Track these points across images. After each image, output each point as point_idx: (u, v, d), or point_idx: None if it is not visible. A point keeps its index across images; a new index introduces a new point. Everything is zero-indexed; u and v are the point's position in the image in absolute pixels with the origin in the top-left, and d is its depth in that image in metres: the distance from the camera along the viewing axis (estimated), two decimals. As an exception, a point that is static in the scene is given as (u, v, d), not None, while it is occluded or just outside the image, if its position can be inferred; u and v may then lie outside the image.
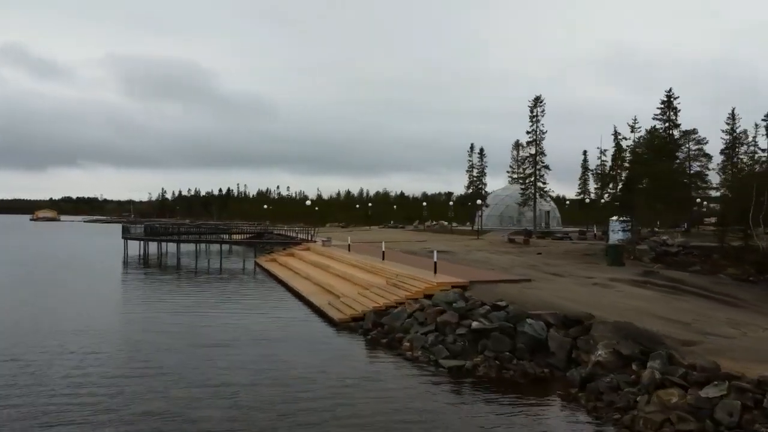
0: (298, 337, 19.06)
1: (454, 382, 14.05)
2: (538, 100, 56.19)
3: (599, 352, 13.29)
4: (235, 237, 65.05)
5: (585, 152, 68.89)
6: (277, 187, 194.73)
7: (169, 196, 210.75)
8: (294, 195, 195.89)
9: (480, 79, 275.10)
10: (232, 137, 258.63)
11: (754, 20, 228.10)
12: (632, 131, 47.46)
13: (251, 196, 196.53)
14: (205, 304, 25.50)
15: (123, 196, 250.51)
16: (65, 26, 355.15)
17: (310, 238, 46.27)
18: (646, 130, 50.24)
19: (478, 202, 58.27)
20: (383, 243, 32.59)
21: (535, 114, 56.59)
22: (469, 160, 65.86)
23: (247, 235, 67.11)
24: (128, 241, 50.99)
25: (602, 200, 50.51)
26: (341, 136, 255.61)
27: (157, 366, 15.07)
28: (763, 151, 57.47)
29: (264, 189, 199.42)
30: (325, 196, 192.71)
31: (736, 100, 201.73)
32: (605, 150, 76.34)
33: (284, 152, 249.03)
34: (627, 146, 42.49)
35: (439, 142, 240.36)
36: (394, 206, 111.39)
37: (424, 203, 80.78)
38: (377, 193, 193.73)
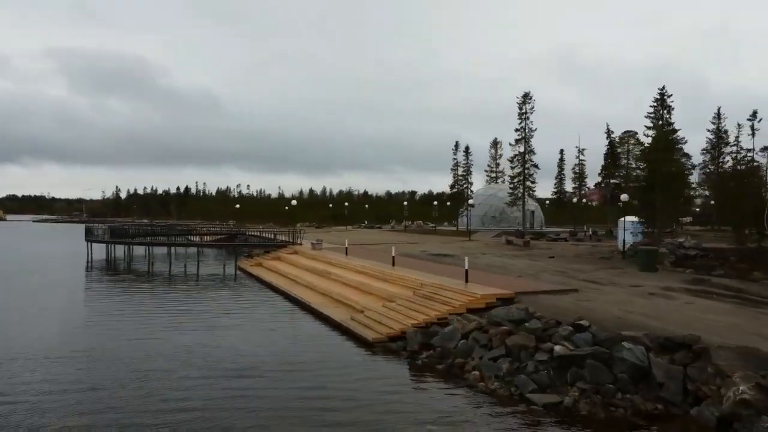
0: (331, 361, 16.23)
1: (557, 423, 11.53)
2: (527, 97, 54.50)
3: (741, 387, 10.97)
4: (206, 239, 61.26)
5: (562, 151, 67.78)
6: (237, 186, 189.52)
7: (123, 194, 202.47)
8: (255, 193, 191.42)
9: (434, 80, 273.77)
10: (183, 134, 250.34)
11: (696, 26, 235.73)
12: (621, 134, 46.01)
13: (210, 194, 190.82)
14: (203, 319, 22.30)
15: (72, 195, 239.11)
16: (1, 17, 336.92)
17: (296, 241, 43.11)
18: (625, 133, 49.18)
19: (470, 201, 56.06)
20: (393, 248, 29.84)
21: (523, 111, 54.86)
22: (454, 159, 63.90)
23: (219, 237, 63.39)
24: (92, 244, 46.74)
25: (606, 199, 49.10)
26: (295, 133, 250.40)
27: (180, 406, 12.06)
28: (749, 151, 57.43)
29: (223, 187, 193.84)
30: (287, 194, 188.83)
31: (679, 102, 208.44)
32: (584, 149, 76.17)
33: (238, 149, 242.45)
34: (645, 144, 40.87)
35: (396, 142, 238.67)
36: (366, 205, 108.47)
37: (405, 202, 78.14)
38: (341, 192, 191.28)
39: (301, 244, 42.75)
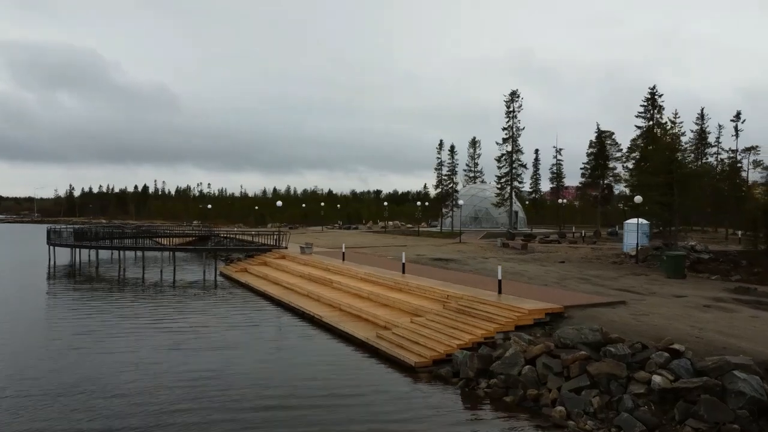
0: (372, 390, 13.99)
1: (687, 477, 9.57)
2: (514, 95, 53.05)
3: None
4: (175, 241, 57.80)
5: (537, 151, 66.74)
6: (199, 185, 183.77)
7: (77, 193, 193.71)
8: (216, 193, 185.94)
9: (391, 79, 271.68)
10: (138, 130, 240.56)
11: (646, 29, 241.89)
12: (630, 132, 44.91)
13: (169, 193, 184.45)
14: (202, 336, 19.66)
15: (20, 193, 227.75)
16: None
17: (281, 244, 40.37)
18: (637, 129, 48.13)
19: (460, 202, 54.14)
20: (403, 254, 27.53)
21: (511, 109, 53.38)
22: (438, 158, 61.92)
23: (190, 239, 59.97)
24: (55, 247, 43.01)
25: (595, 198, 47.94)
26: (254, 132, 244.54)
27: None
28: (734, 152, 57.39)
29: (183, 186, 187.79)
30: (250, 193, 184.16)
31: (629, 104, 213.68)
32: (561, 149, 75.40)
33: (195, 147, 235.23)
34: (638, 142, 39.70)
35: (355, 141, 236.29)
36: (338, 205, 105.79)
37: (386, 203, 75.82)
38: (305, 191, 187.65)
39: (286, 248, 40.08)
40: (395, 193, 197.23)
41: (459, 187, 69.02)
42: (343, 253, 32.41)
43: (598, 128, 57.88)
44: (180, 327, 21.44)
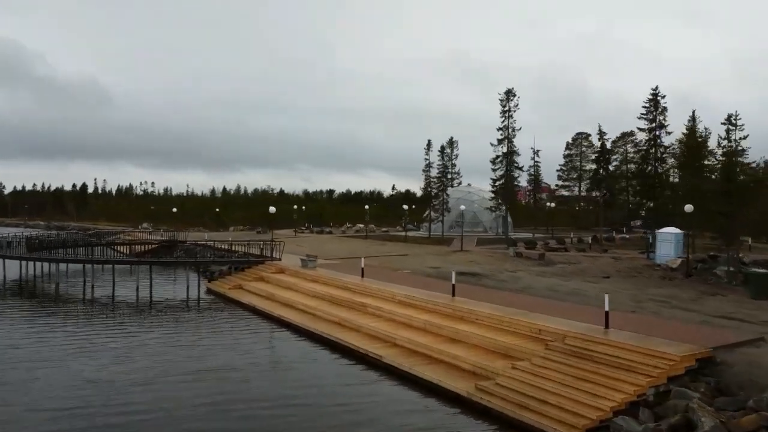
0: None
1: None
2: (510, 93, 50.17)
3: None
4: (137, 249, 52.01)
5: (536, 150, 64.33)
6: (142, 183, 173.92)
7: (6, 191, 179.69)
8: (160, 192, 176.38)
9: (331, 78, 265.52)
10: (68, 126, 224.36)
11: (576, 32, 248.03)
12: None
13: (110, 192, 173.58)
14: (242, 388, 15.35)
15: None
16: None
17: (273, 255, 35.78)
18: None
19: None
20: (453, 274, 23.62)
21: (507, 108, 50.49)
22: (426, 159, 58.28)
23: (153, 246, 54.21)
24: (4, 260, 36.98)
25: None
26: (192, 129, 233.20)
27: None
28: (721, 153, 56.22)
29: (125, 185, 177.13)
30: (197, 192, 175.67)
31: (563, 105, 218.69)
32: (538, 150, 73.50)
33: (131, 144, 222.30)
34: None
35: (297, 139, 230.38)
36: (303, 207, 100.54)
37: (366, 206, 71.64)
38: (256, 190, 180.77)
39: (280, 260, 35.61)
40: (348, 192, 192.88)
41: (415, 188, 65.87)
42: (363, 269, 28.31)
43: (599, 131, 55.57)
44: (202, 369, 16.98)
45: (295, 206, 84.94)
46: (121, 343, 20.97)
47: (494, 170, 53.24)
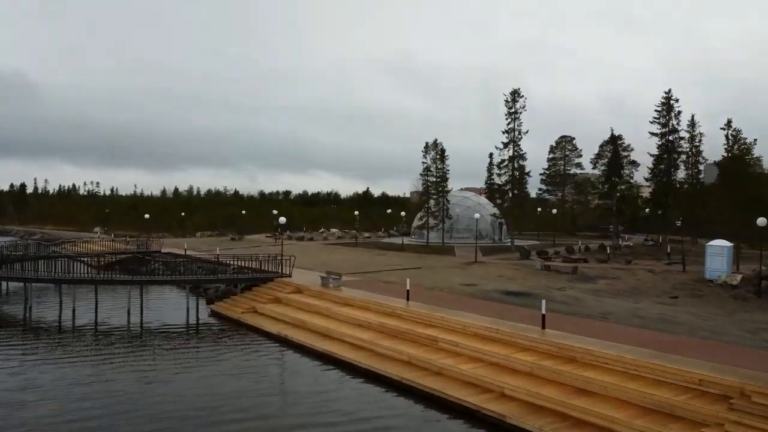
0: None
1: None
2: (516, 94, 47.45)
3: None
4: (102, 260, 46.59)
5: (491, 155, 61.68)
6: (85, 183, 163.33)
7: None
8: (106, 192, 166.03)
9: (276, 76, 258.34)
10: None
11: (518, 37, 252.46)
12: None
13: (53, 193, 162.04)
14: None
15: None
16: None
17: (283, 271, 31.60)
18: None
19: (476, 215, 47.03)
20: (544, 304, 20.22)
21: (514, 110, 47.70)
22: (424, 162, 54.72)
23: (122, 257, 48.80)
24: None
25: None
26: (129, 126, 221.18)
27: None
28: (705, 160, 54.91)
29: (68, 185, 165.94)
30: (146, 192, 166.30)
31: (502, 107, 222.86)
32: (524, 153, 71.31)
33: (65, 141, 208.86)
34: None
35: (241, 137, 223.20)
36: (274, 211, 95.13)
37: (356, 212, 67.24)
38: (209, 191, 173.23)
39: (290, 276, 31.59)
40: (305, 194, 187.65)
41: (399, 191, 62.74)
42: (408, 291, 24.68)
43: (612, 134, 53.25)
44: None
45: (275, 211, 79.44)
46: (136, 389, 16.84)
47: (499, 175, 50.60)
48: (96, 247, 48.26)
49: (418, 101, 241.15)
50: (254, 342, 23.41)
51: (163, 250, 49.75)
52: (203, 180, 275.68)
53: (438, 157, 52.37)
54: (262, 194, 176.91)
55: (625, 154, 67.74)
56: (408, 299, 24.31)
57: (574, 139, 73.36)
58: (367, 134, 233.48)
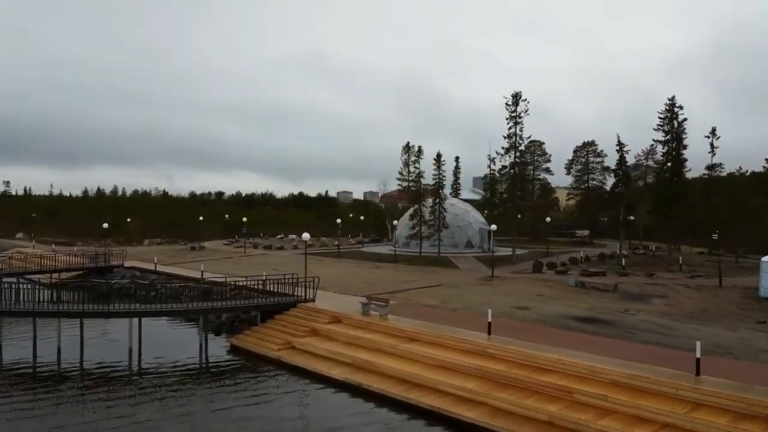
0: None
1: None
2: (517, 98, 44.82)
3: None
4: (61, 275, 40.06)
5: (457, 158, 59.88)
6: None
7: None
8: (17, 193, 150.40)
9: (189, 72, 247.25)
10: None
11: (433, 39, 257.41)
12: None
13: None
14: None
15: None
16: None
17: (307, 296, 27.16)
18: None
19: (494, 227, 43.30)
20: (698, 347, 17.20)
21: (516, 113, 45.02)
22: (416, 168, 50.72)
23: (78, 271, 42.31)
24: None
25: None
26: (29, 120, 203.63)
27: None
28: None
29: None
30: (56, 192, 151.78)
31: (421, 109, 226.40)
32: (494, 158, 69.43)
33: None
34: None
35: (153, 134, 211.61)
36: (226, 215, 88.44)
37: (339, 220, 61.94)
38: (136, 191, 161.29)
39: (314, 301, 27.29)
40: (239, 194, 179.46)
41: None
42: (489, 323, 21.10)
43: (618, 141, 51.45)
44: None
45: (247, 218, 72.92)
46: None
47: (500, 182, 47.85)
48: (44, 261, 41.31)
49: (333, 100, 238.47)
50: (315, 390, 19.17)
51: (126, 264, 43.64)
52: (112, 179, 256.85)
53: (434, 161, 49.00)
54: (193, 195, 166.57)
55: (598, 159, 67.75)
56: (490, 332, 20.80)
57: (543, 144, 72.31)
58: (284, 133, 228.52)
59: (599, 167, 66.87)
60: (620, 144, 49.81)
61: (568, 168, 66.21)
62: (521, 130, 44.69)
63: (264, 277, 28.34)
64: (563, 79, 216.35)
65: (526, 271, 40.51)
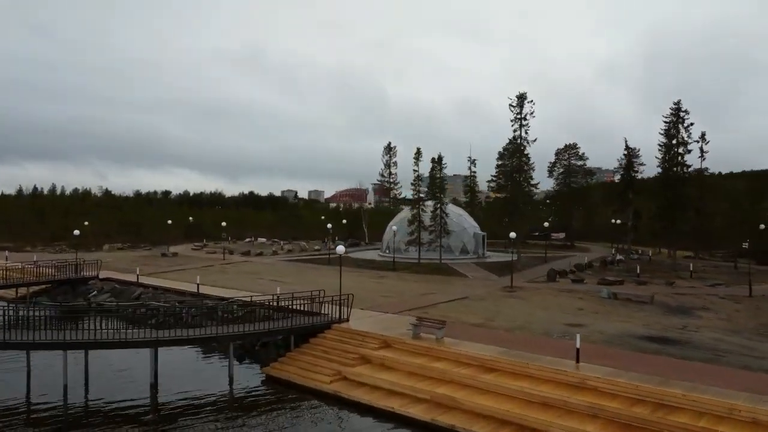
0: None
1: None
2: (522, 99, 43.10)
3: None
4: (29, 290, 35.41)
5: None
6: None
7: None
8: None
9: (121, 65, 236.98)
10: None
11: (371, 38, 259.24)
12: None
13: None
14: None
15: None
16: None
17: (342, 315, 24.27)
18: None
19: (463, 231, 41.22)
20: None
21: (522, 115, 43.29)
22: (415, 170, 47.35)
23: (45, 283, 37.65)
24: None
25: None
26: None
27: None
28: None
29: None
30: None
31: (358, 105, 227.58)
32: (475, 160, 68.08)
33: None
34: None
35: (86, 130, 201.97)
36: (190, 218, 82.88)
37: (329, 225, 58.10)
38: (76, 190, 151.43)
39: (348, 321, 24.49)
40: (186, 194, 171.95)
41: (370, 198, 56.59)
42: (578, 349, 18.90)
43: (626, 146, 50.35)
44: None
45: (199, 219, 67.73)
46: None
47: (504, 186, 45.99)
48: (9, 274, 36.35)
49: (272, 98, 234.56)
50: (396, 436, 16.46)
51: (101, 275, 39.16)
52: (38, 176, 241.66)
53: (435, 164, 46.52)
54: (138, 194, 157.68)
55: (580, 162, 67.28)
56: (578, 361, 18.63)
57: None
58: (222, 130, 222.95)
59: (581, 170, 66.47)
60: (628, 149, 49.07)
61: (551, 170, 65.42)
62: (526, 133, 43.09)
63: (291, 296, 25.19)
64: (498, 80, 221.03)
65: (538, 279, 38.84)
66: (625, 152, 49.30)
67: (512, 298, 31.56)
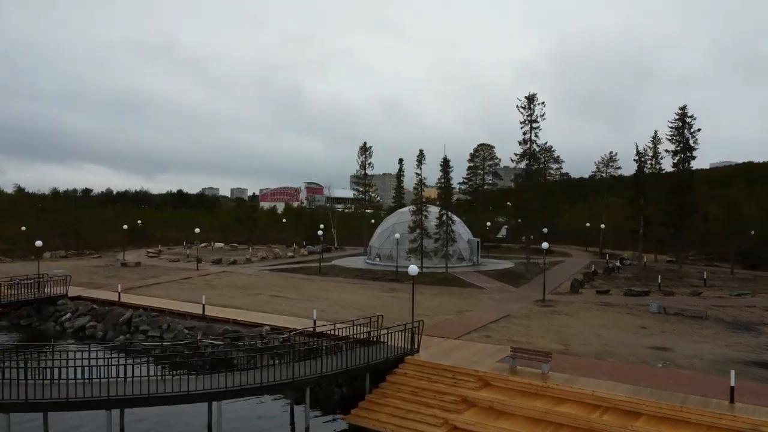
0: None
1: None
2: (532, 100, 40.95)
3: None
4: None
5: (401, 161, 56.01)
6: None
7: None
8: None
9: (9, 53, 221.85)
10: None
11: (294, 34, 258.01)
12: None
13: None
14: None
15: None
16: None
17: (414, 346, 20.82)
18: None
19: (458, 238, 38.28)
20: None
21: (531, 118, 41.07)
22: (417, 173, 44.08)
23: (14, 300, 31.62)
24: None
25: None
26: None
27: None
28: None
29: None
30: None
31: (278, 102, 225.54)
32: (450, 161, 65.98)
33: None
34: None
35: None
36: (138, 221, 74.83)
37: (321, 225, 52.80)
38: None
39: (418, 351, 21.16)
40: (110, 192, 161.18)
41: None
42: (732, 387, 16.53)
43: (637, 150, 48.77)
44: None
45: (139, 219, 60.89)
46: None
47: (519, 192, 43.62)
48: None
49: (185, 91, 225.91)
50: None
51: (70, 293, 33.41)
52: None
53: (441, 167, 43.54)
54: (55, 192, 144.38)
55: (556, 166, 66.58)
56: (733, 399, 16.31)
57: (493, 147, 69.96)
58: (132, 123, 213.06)
59: (558, 172, 65.89)
60: (638, 154, 48.13)
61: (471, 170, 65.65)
62: (537, 135, 41.10)
63: (352, 323, 21.47)
64: (423, 80, 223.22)
65: (560, 291, 36.90)
66: (636, 157, 48.46)
67: (559, 315, 29.22)
